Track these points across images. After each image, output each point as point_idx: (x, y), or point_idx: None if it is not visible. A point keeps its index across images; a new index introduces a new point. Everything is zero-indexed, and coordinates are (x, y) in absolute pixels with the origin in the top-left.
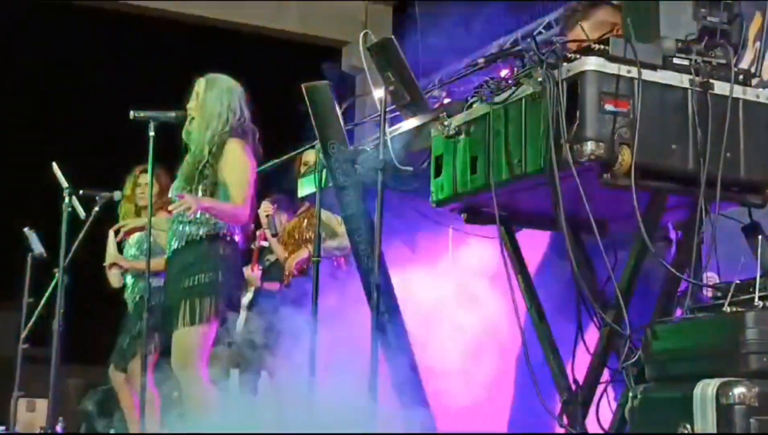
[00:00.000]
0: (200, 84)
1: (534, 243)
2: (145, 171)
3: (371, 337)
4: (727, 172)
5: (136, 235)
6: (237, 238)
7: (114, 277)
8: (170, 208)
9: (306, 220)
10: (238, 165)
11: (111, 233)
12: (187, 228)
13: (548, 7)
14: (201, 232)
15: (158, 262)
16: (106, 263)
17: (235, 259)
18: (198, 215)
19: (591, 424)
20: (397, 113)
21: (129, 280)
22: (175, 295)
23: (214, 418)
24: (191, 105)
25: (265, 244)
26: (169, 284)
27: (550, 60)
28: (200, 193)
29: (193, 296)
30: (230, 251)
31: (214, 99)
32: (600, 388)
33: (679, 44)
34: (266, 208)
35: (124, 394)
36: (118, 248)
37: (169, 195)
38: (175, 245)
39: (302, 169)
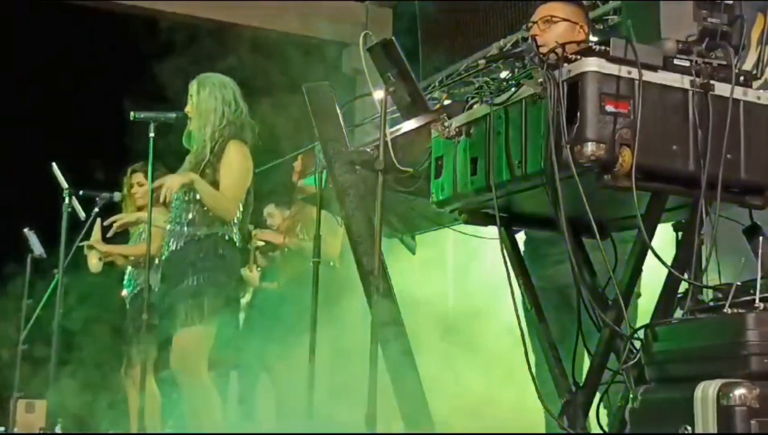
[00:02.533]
0: (193, 86)
1: None
2: (135, 171)
3: (371, 339)
4: (727, 173)
5: (134, 235)
6: (235, 237)
7: (92, 261)
8: (155, 185)
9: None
10: (235, 167)
11: (98, 221)
12: (185, 228)
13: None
14: (200, 233)
15: (134, 248)
16: (86, 244)
17: (234, 258)
18: (194, 216)
19: (591, 426)
20: (398, 114)
21: (126, 277)
22: (174, 296)
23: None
24: (188, 108)
25: (260, 243)
26: (166, 285)
27: (551, 61)
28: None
29: (192, 297)
30: (229, 251)
31: (208, 96)
32: (600, 390)
33: (680, 45)
34: (270, 211)
35: (132, 395)
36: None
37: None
38: (173, 246)
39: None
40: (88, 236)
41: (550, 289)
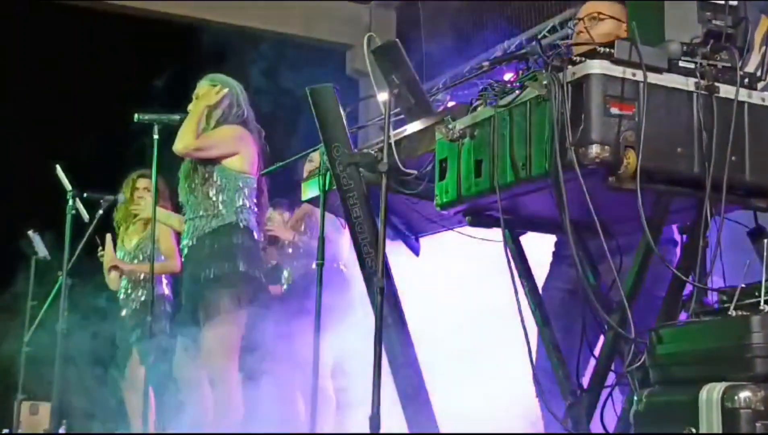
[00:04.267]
0: (200, 86)
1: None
2: (142, 176)
3: (374, 341)
4: (732, 175)
5: (134, 240)
6: (251, 225)
7: (113, 281)
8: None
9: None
10: (223, 129)
11: (108, 237)
12: (197, 222)
13: (553, 11)
14: (212, 224)
15: (159, 266)
16: (105, 267)
17: (253, 247)
18: (206, 209)
19: (596, 428)
20: (402, 116)
21: (124, 284)
22: (195, 291)
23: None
24: (191, 107)
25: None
26: (186, 283)
27: (555, 63)
28: (197, 180)
29: (212, 289)
30: (246, 239)
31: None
32: (605, 392)
33: (685, 47)
34: (269, 215)
35: (128, 396)
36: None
37: (180, 198)
38: (188, 243)
39: (307, 168)
40: (91, 239)
41: (574, 289)
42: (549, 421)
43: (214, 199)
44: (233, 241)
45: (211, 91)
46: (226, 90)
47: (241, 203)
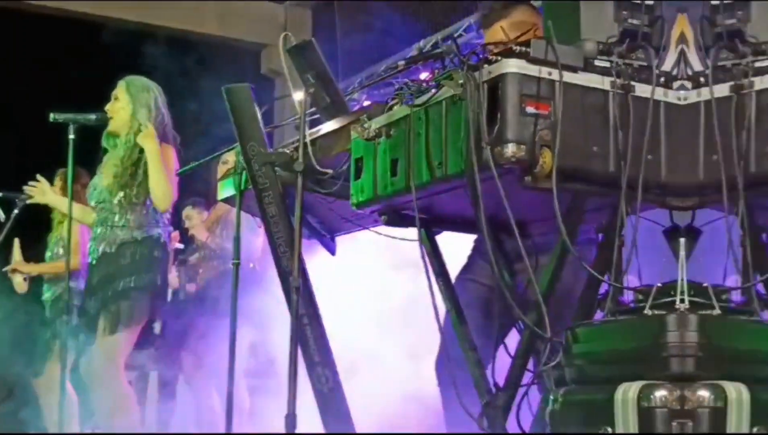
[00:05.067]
0: (119, 86)
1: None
2: (64, 174)
3: (290, 340)
4: (648, 174)
5: (54, 237)
6: (167, 239)
7: (17, 283)
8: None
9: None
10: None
11: (16, 240)
12: (118, 232)
13: (468, 10)
14: (135, 235)
15: (56, 264)
16: (8, 268)
17: (167, 261)
18: (129, 219)
19: (511, 427)
20: (317, 115)
21: (46, 283)
22: (106, 297)
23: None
24: (109, 107)
25: (180, 246)
26: (96, 288)
27: (471, 62)
28: (134, 193)
29: (128, 298)
30: (163, 254)
31: (133, 100)
32: (521, 391)
33: (601, 46)
34: (188, 213)
35: (44, 394)
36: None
37: (94, 199)
38: (103, 249)
39: (221, 170)
40: (6, 239)
41: (492, 286)
42: (451, 418)
43: (139, 211)
44: (154, 254)
45: (147, 126)
46: (150, 111)
47: (161, 217)
